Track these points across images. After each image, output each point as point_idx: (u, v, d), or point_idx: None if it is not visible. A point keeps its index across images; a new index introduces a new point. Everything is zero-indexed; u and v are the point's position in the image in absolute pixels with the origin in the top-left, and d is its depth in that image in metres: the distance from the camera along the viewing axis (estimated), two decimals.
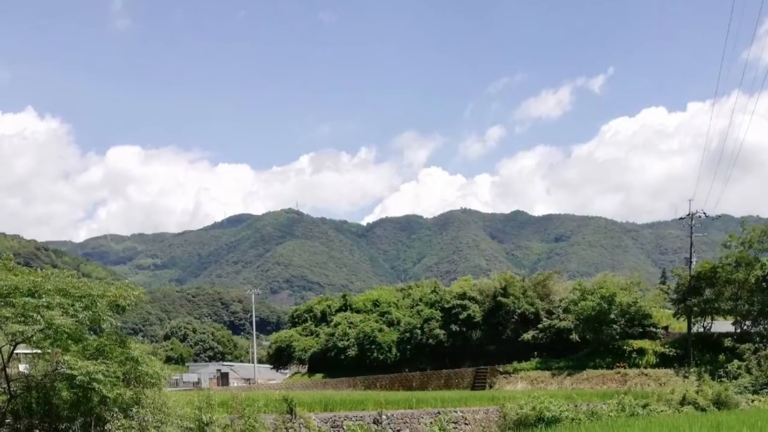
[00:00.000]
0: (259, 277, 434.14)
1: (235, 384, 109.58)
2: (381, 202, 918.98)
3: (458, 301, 77.76)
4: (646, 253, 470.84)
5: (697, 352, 60.94)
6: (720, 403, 39.60)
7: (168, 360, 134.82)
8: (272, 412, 27.70)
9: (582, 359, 65.75)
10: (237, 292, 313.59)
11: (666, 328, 68.68)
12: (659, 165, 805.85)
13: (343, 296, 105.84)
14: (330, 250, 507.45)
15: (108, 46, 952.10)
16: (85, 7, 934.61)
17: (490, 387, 65.78)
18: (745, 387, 48.53)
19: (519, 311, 73.18)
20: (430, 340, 78.63)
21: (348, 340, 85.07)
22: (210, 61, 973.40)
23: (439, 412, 34.88)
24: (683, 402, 39.57)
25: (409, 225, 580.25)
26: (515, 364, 68.39)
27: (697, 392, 41.19)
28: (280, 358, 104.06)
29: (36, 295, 18.32)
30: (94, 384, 17.59)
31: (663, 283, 72.22)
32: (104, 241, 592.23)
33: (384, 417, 32.29)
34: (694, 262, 64.78)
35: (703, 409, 37.69)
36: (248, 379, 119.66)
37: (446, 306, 78.96)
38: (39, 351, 20.53)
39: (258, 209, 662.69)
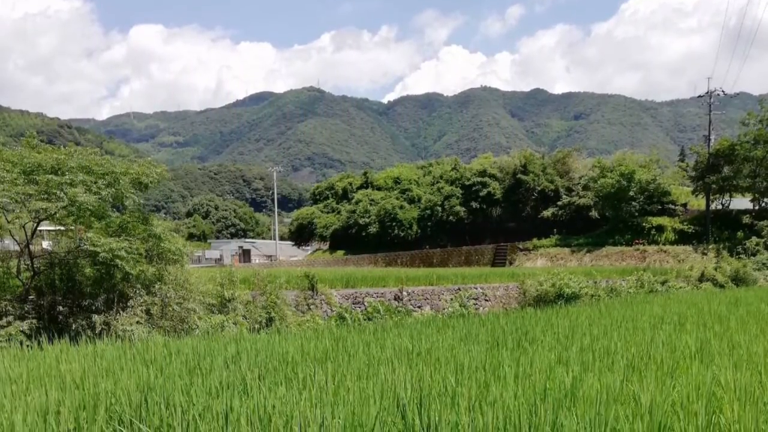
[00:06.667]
0: (281, 154, 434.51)
1: (257, 261, 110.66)
2: (402, 80, 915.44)
3: (478, 179, 77.82)
4: (665, 131, 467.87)
5: (716, 229, 61.09)
6: (738, 280, 39.80)
7: (190, 237, 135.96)
8: (294, 289, 27.93)
9: (601, 236, 66.04)
10: (259, 170, 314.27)
11: (685, 205, 68.66)
12: (678, 43, 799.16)
13: (365, 173, 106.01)
14: (351, 128, 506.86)
15: None
16: None
17: (510, 264, 66.26)
18: (764, 263, 48.79)
19: (539, 188, 73.26)
20: (451, 218, 79.04)
21: (369, 217, 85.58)
22: None
23: (459, 289, 35.12)
24: (702, 278, 39.74)
25: (429, 103, 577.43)
26: (535, 240, 68.79)
27: (715, 269, 41.30)
28: (301, 235, 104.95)
29: (59, 172, 18.23)
30: (117, 261, 17.61)
31: (682, 160, 71.70)
32: (127, 119, 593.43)
33: (405, 293, 32.56)
34: (712, 140, 64.40)
35: (721, 286, 37.90)
36: (270, 256, 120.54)
37: (467, 183, 79.08)
38: (62, 228, 20.60)
39: (280, 87, 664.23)
